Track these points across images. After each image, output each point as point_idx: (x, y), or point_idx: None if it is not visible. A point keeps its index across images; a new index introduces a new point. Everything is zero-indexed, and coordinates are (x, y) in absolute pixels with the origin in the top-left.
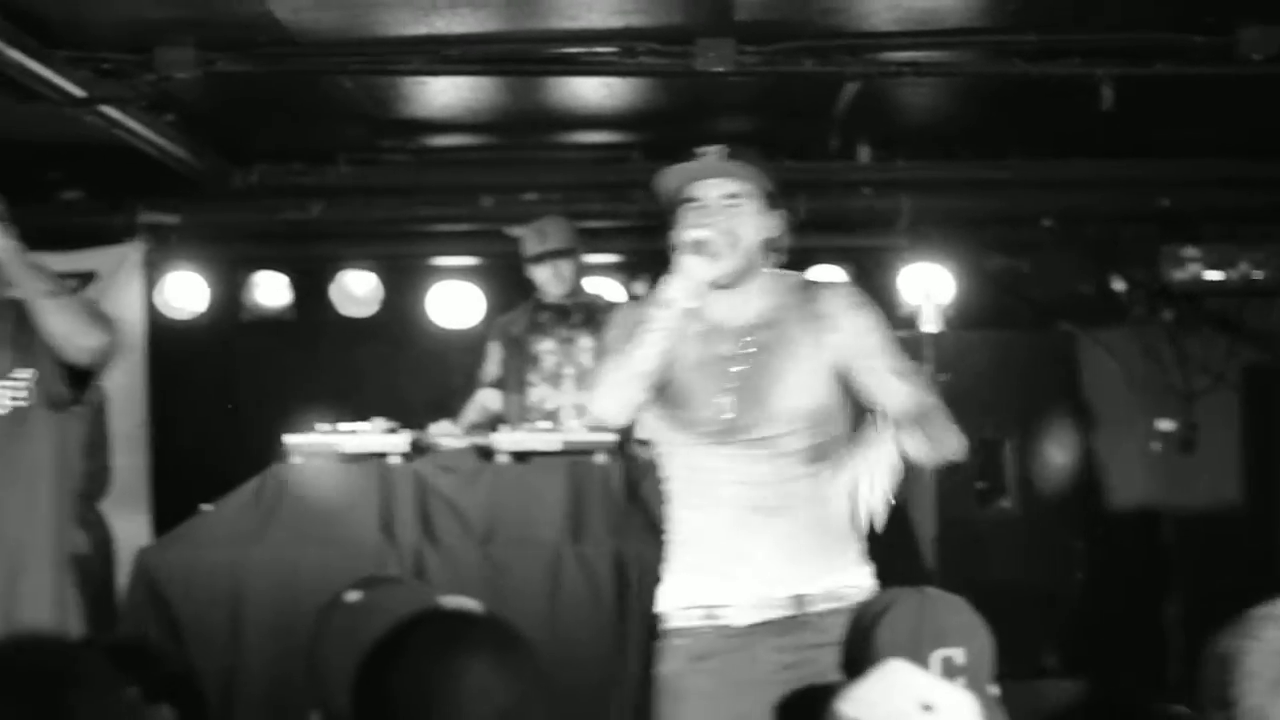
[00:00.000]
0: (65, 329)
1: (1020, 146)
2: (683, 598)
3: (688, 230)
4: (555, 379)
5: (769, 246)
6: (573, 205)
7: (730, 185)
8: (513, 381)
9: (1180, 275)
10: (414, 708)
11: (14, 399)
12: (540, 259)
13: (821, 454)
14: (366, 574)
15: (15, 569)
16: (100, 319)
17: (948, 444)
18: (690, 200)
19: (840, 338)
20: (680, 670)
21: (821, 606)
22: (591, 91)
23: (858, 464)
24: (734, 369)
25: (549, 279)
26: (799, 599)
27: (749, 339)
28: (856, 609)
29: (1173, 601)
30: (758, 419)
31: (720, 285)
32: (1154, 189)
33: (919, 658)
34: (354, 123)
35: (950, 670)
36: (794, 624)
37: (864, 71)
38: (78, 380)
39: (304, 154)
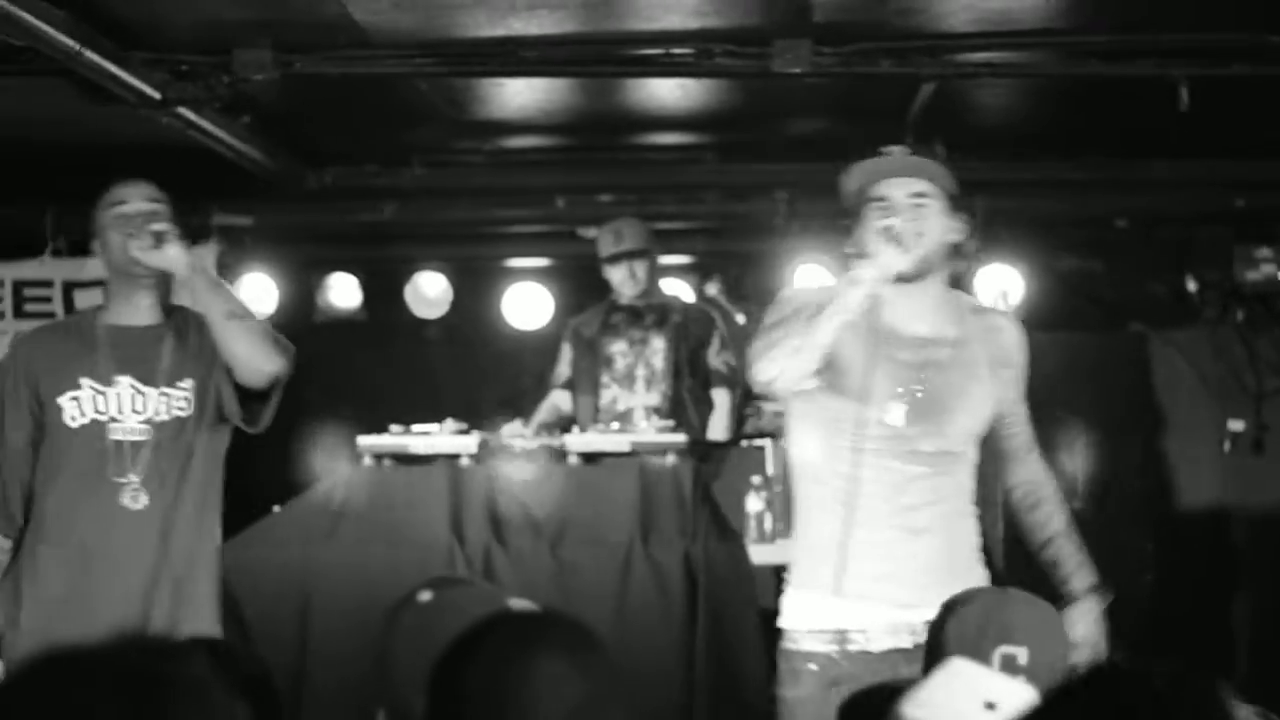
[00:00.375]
0: (247, 352)
1: (1094, 147)
2: (815, 618)
3: (880, 219)
4: (628, 380)
5: (951, 251)
6: (646, 206)
7: (917, 184)
8: (585, 383)
9: (1253, 275)
10: (487, 706)
11: (176, 409)
12: (616, 259)
13: (963, 481)
14: (437, 575)
15: (182, 579)
16: (280, 344)
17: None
18: (877, 199)
19: (1012, 374)
20: (811, 696)
21: None
22: (666, 93)
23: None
24: (915, 377)
25: (624, 279)
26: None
27: (933, 350)
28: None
29: (1241, 602)
30: (929, 432)
31: (901, 279)
32: (1228, 189)
33: (982, 653)
34: (429, 124)
35: (1011, 668)
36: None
37: (940, 72)
38: (246, 398)
39: (378, 156)
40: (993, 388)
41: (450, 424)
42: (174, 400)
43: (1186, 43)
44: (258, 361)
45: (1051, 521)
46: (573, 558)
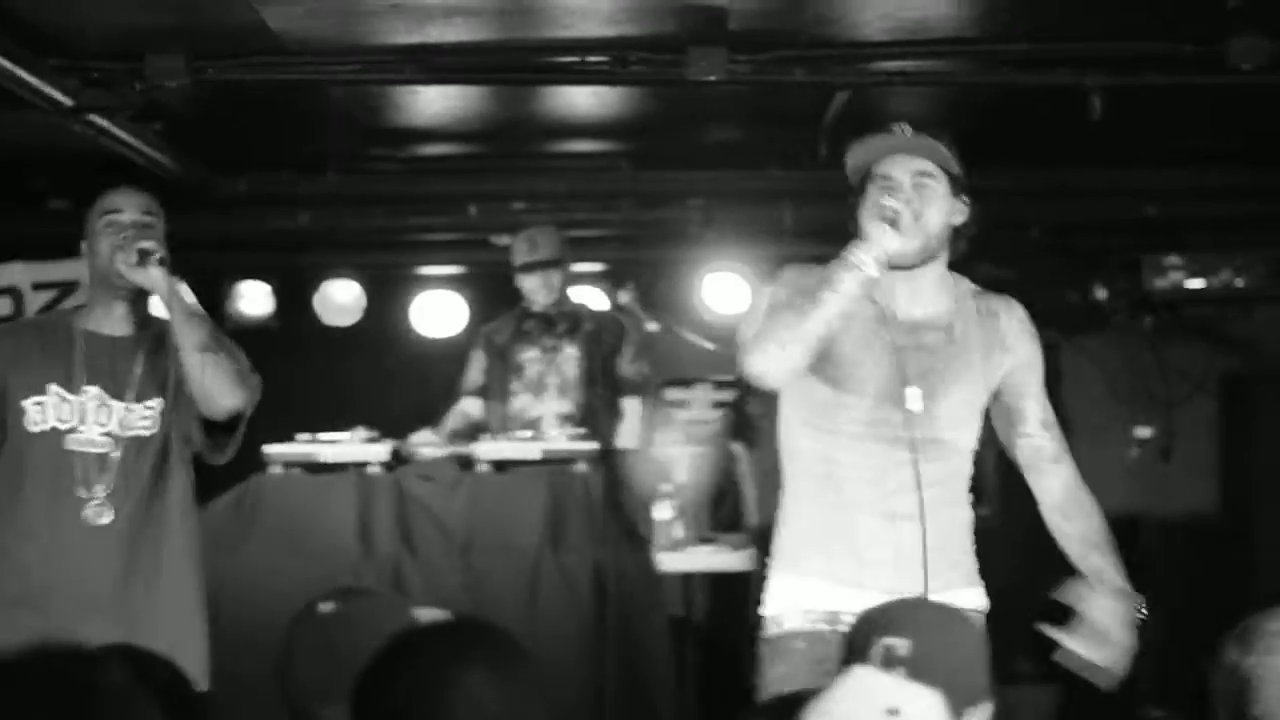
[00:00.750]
0: (209, 385)
1: (1006, 156)
2: (804, 601)
3: (879, 200)
4: (539, 388)
5: (953, 234)
6: (559, 214)
7: (921, 164)
8: (495, 390)
9: (1162, 283)
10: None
11: (140, 426)
12: (530, 268)
13: (955, 468)
14: (339, 585)
15: (152, 596)
16: (246, 379)
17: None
18: (880, 176)
19: (1011, 360)
20: (795, 673)
21: None
22: (581, 100)
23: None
24: (911, 362)
25: (537, 288)
26: None
27: (924, 336)
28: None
29: (1147, 608)
30: (919, 419)
31: (900, 265)
32: (1138, 198)
33: (867, 645)
34: (343, 132)
35: (890, 659)
36: None
37: (855, 81)
38: (211, 428)
39: (292, 163)
40: (984, 373)
41: (360, 432)
42: (138, 417)
43: (1100, 51)
44: (217, 396)
45: (1090, 533)
46: (482, 565)
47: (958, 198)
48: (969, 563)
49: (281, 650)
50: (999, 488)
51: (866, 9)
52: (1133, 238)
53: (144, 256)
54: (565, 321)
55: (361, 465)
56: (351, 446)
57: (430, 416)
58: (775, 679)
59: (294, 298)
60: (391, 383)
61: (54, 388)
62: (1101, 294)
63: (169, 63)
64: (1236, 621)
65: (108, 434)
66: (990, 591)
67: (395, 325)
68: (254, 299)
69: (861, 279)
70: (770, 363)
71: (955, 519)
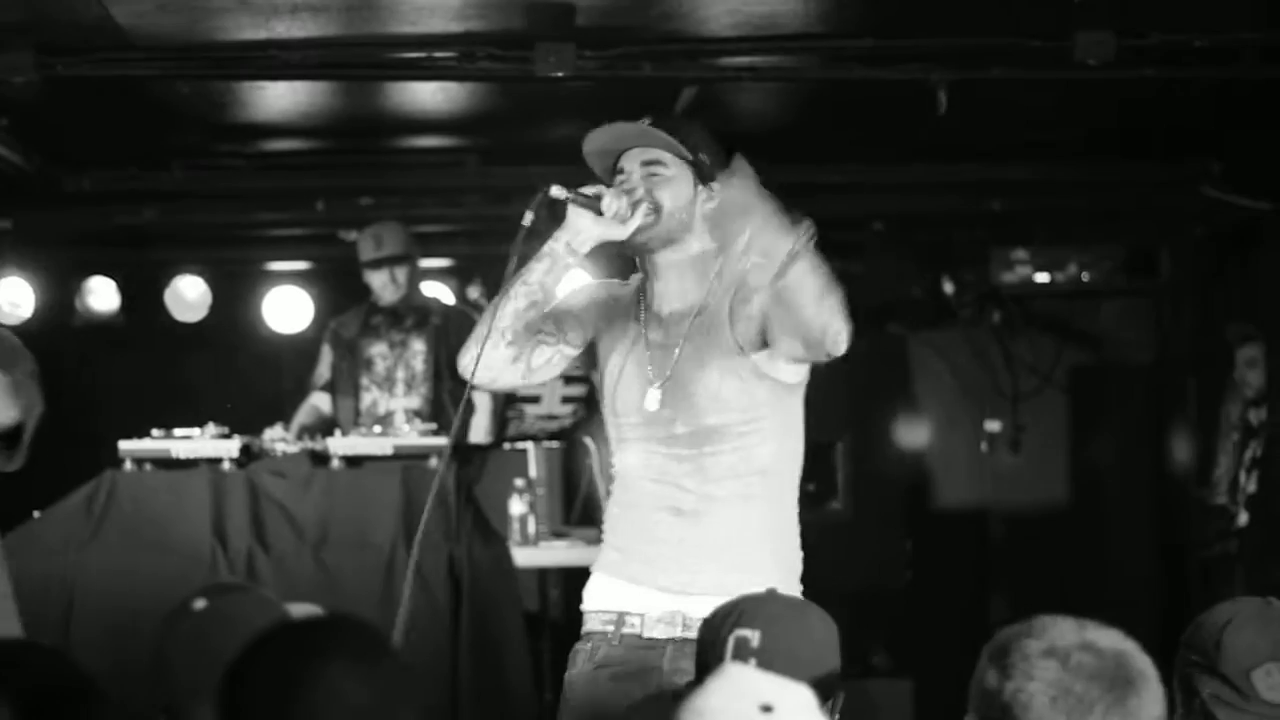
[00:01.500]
0: None
1: (851, 150)
2: (599, 599)
3: (583, 188)
4: (388, 383)
5: (711, 218)
6: (407, 210)
7: (650, 153)
8: (345, 385)
9: (1010, 278)
10: (272, 714)
11: None
12: (376, 264)
13: (755, 451)
14: (204, 580)
15: None
16: (16, 395)
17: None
18: (614, 169)
19: (753, 306)
20: (580, 674)
21: None
22: (428, 96)
23: None
24: (664, 359)
25: (384, 284)
26: None
27: (681, 325)
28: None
29: (998, 599)
30: (679, 414)
31: (637, 251)
32: (984, 192)
33: (720, 639)
34: (190, 128)
35: (743, 650)
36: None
37: (702, 76)
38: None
39: (138, 159)
40: (734, 342)
41: (211, 428)
42: None
43: (947, 47)
44: None
45: None
46: (336, 561)
47: (704, 185)
48: (771, 561)
49: (156, 647)
50: (850, 482)
51: (714, 5)
52: (978, 232)
53: None
54: (413, 315)
55: (214, 461)
56: (204, 442)
57: (278, 411)
58: (568, 679)
59: (141, 294)
60: (239, 378)
61: None
62: (949, 288)
63: (16, 58)
64: (1088, 613)
65: None
66: (843, 584)
67: (243, 321)
68: (102, 295)
69: (549, 266)
70: (467, 359)
71: (746, 511)
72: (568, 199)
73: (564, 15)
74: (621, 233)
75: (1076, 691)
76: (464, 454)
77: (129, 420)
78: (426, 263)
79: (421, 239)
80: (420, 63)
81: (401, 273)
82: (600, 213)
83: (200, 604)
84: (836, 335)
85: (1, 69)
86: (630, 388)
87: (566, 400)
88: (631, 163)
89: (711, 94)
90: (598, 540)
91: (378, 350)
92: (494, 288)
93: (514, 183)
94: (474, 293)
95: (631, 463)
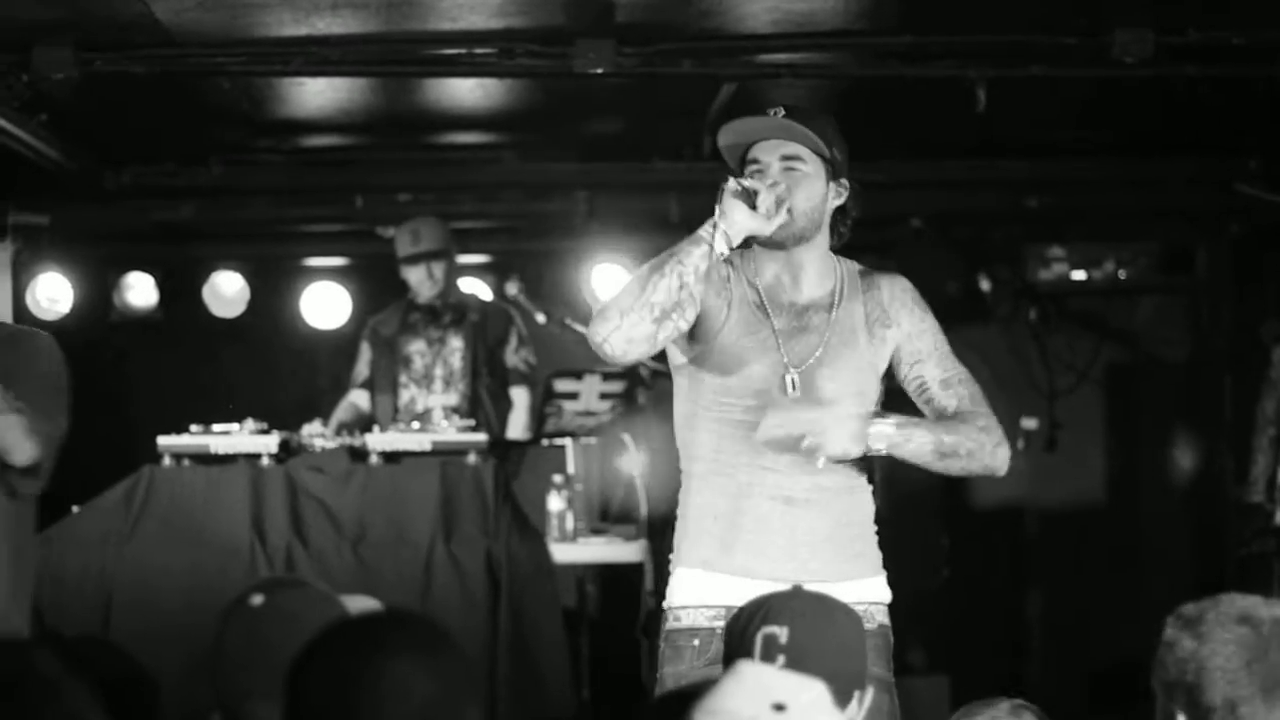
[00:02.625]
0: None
1: (889, 147)
2: (699, 594)
3: (738, 178)
4: (426, 380)
5: (833, 219)
6: (445, 206)
7: (791, 148)
8: (383, 383)
9: (1046, 275)
10: (337, 710)
11: None
12: (414, 260)
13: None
14: (243, 575)
15: None
16: (31, 437)
17: (981, 458)
18: (750, 161)
19: (896, 333)
20: (689, 673)
21: None
22: (466, 92)
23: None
24: (794, 347)
25: (421, 280)
26: None
27: (808, 319)
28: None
29: (1034, 597)
30: (808, 400)
31: (773, 246)
32: (1021, 190)
33: (748, 637)
34: (229, 123)
35: (771, 647)
36: None
37: (742, 73)
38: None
39: (177, 155)
40: (870, 351)
41: (250, 424)
42: None
43: (986, 45)
44: (10, 454)
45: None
46: (374, 557)
47: (835, 181)
48: (871, 551)
49: (212, 643)
50: (886, 479)
51: (753, 1)
52: (1014, 229)
53: None
54: (451, 313)
55: (253, 457)
56: (243, 438)
57: (315, 408)
58: (669, 676)
59: (180, 289)
60: (276, 374)
61: None
62: (985, 285)
63: (55, 54)
64: (1125, 611)
65: None
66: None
67: (281, 316)
68: (141, 291)
69: (708, 253)
70: (610, 330)
71: (850, 503)
72: (734, 190)
73: (603, 11)
74: (766, 228)
75: (1272, 659)
76: (502, 450)
77: (167, 416)
78: (464, 259)
79: (459, 235)
80: (459, 59)
81: (439, 268)
82: (754, 207)
83: (258, 600)
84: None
85: (42, 65)
86: (755, 369)
87: (605, 397)
88: (769, 155)
89: (750, 90)
90: (635, 537)
91: (416, 348)
92: (532, 283)
93: (552, 179)
94: (512, 289)
95: (740, 447)
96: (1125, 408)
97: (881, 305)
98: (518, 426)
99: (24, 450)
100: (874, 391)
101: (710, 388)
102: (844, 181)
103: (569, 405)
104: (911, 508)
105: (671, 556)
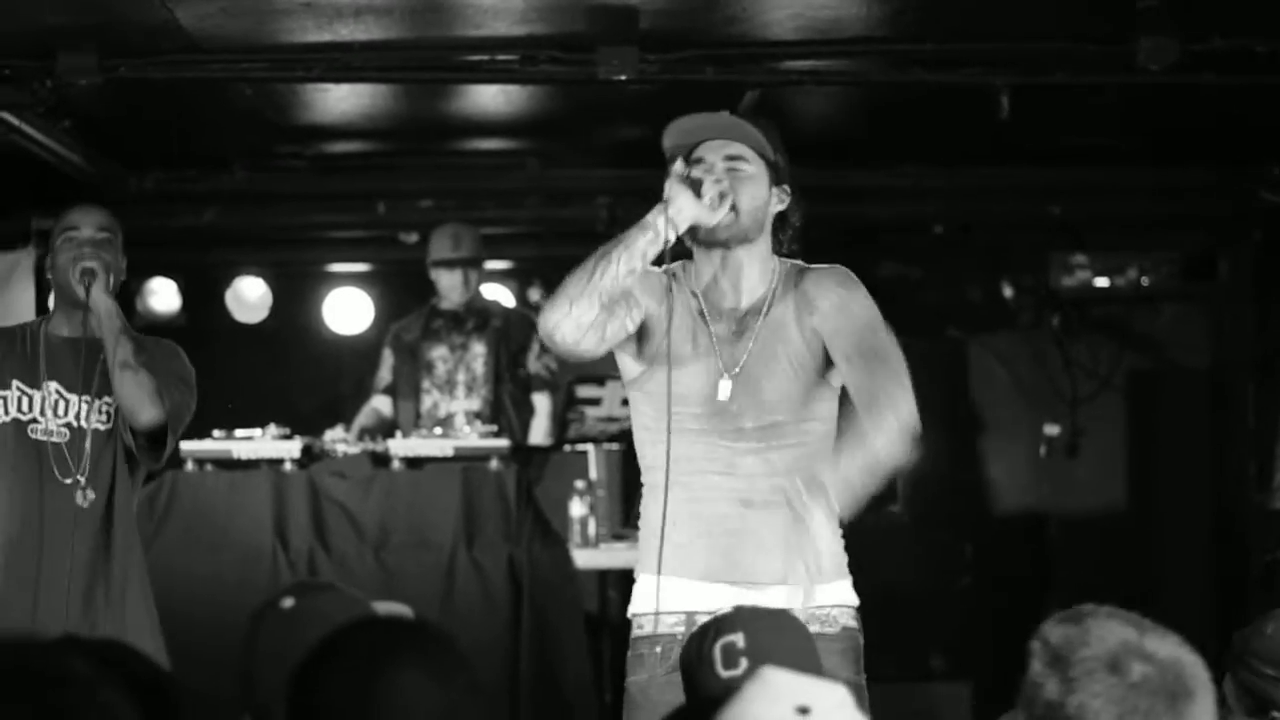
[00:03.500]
0: (127, 399)
1: (913, 153)
2: (661, 601)
3: (685, 166)
4: (448, 385)
5: (775, 225)
6: (467, 212)
7: (735, 148)
8: (405, 388)
9: (1069, 282)
10: (343, 716)
11: (98, 420)
12: (451, 264)
13: (812, 449)
14: (265, 580)
15: (120, 580)
16: (161, 398)
17: (889, 454)
18: (693, 160)
19: (818, 319)
20: (651, 681)
21: (812, 629)
22: (489, 99)
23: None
24: (730, 352)
25: (454, 285)
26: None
27: (745, 323)
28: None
29: (1056, 604)
30: (747, 408)
31: (714, 244)
32: (1044, 197)
33: (705, 655)
34: (252, 129)
35: (731, 655)
36: None
37: (765, 80)
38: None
39: (200, 161)
40: (806, 345)
41: (272, 429)
42: (95, 410)
43: (1009, 51)
44: (133, 410)
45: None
46: (396, 562)
47: (778, 186)
48: (834, 553)
49: (242, 646)
50: (908, 486)
51: (777, 8)
52: (1037, 236)
53: (85, 276)
54: (474, 319)
55: (276, 462)
56: (265, 443)
57: (337, 413)
58: (633, 685)
59: (202, 295)
60: (299, 379)
61: (16, 383)
62: (1008, 292)
63: (80, 60)
64: (1146, 616)
65: (66, 425)
66: (902, 588)
67: (304, 322)
68: (164, 296)
69: (654, 239)
70: (560, 317)
71: (817, 502)
72: (679, 176)
73: (627, 18)
74: (710, 219)
75: (1141, 709)
76: (524, 455)
77: (192, 420)
78: (487, 265)
79: (482, 241)
80: (482, 65)
81: (474, 275)
82: (699, 195)
83: (289, 602)
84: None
85: (66, 71)
86: (696, 376)
87: (627, 402)
88: (714, 154)
89: (774, 97)
90: None
91: (439, 353)
92: (554, 290)
93: (574, 185)
94: (534, 295)
95: (693, 454)
96: (1147, 414)
97: (808, 296)
98: (540, 432)
99: (149, 411)
100: (818, 389)
101: (659, 398)
102: (786, 188)
103: (591, 411)
104: (933, 514)
105: (635, 567)
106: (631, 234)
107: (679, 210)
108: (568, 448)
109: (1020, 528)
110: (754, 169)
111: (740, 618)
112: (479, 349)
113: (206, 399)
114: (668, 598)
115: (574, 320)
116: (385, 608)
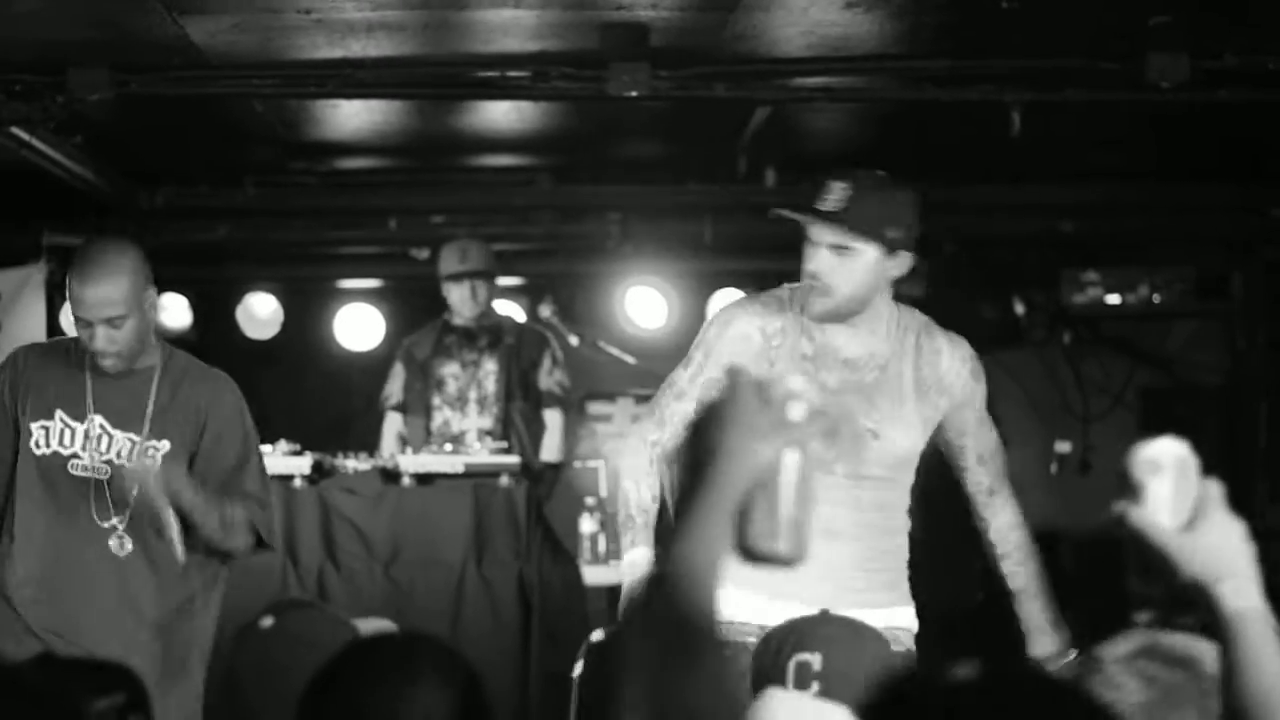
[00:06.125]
0: (218, 546)
1: (927, 171)
2: (739, 612)
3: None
4: (460, 403)
5: (897, 280)
6: (479, 228)
7: (839, 236)
8: (416, 405)
9: (1080, 299)
10: None
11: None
12: (459, 277)
13: (894, 497)
14: (275, 596)
15: (166, 632)
16: (239, 542)
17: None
18: (807, 238)
19: (948, 401)
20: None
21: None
22: (501, 115)
23: None
24: (836, 400)
25: (465, 299)
26: None
27: (860, 373)
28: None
29: (1067, 622)
30: (845, 454)
31: (825, 320)
32: (1056, 214)
33: (779, 665)
34: (264, 145)
35: (804, 674)
36: None
37: (776, 97)
38: None
39: (211, 176)
40: (918, 412)
41: (283, 445)
42: (142, 452)
43: (1021, 68)
44: (226, 549)
45: (1017, 577)
46: (406, 578)
47: (893, 255)
48: (903, 583)
49: (225, 665)
50: (920, 502)
51: (788, 25)
52: (1049, 253)
53: (154, 524)
54: (486, 335)
55: (286, 478)
56: (275, 459)
57: (348, 429)
58: None
59: (213, 310)
60: (309, 396)
61: (60, 413)
62: (1020, 309)
63: (91, 76)
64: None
65: (107, 462)
66: (915, 604)
67: (315, 338)
68: (174, 312)
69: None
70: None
71: (891, 543)
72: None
73: (638, 35)
74: (818, 315)
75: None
76: (535, 473)
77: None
78: (498, 281)
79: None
80: (494, 82)
81: (483, 289)
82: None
83: (267, 622)
84: None
85: (77, 87)
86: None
87: (638, 419)
88: (820, 236)
89: (785, 114)
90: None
91: (450, 370)
92: (565, 306)
93: (586, 202)
94: (545, 311)
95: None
96: (1160, 432)
97: (939, 370)
98: (551, 449)
99: (239, 543)
100: (918, 445)
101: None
102: (904, 255)
103: (602, 427)
104: (945, 530)
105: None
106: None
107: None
108: (578, 464)
109: (1032, 545)
110: (859, 254)
111: (822, 636)
112: (491, 366)
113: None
114: (741, 609)
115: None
116: (368, 625)
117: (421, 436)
